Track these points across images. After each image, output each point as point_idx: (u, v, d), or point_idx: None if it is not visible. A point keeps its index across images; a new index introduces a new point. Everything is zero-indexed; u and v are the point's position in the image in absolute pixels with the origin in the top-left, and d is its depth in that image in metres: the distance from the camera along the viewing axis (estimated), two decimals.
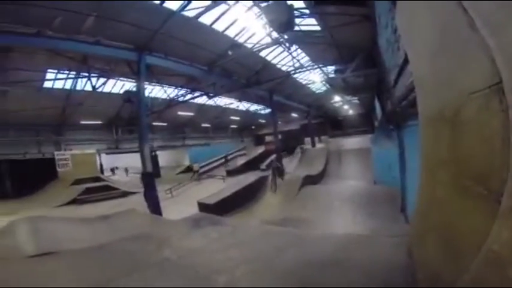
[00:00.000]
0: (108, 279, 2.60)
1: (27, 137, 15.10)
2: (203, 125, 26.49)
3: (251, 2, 8.37)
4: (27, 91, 11.92)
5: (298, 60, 13.36)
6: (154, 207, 8.50)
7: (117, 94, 14.32)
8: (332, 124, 29.96)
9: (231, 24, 10.22)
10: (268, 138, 29.23)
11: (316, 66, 13.57)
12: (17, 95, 11.93)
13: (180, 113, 20.49)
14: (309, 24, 10.24)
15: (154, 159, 17.15)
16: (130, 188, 14.00)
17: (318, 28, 10.16)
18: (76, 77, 12.08)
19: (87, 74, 10.83)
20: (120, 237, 3.92)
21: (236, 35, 11.06)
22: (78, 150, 16.71)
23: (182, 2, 8.20)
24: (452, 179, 1.65)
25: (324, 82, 15.98)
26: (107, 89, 14.00)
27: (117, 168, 24.37)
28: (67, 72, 11.73)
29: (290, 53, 12.36)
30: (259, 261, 2.90)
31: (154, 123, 19.96)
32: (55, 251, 3.54)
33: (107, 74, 11.58)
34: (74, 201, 11.79)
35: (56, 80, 12.11)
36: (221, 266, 2.81)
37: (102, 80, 11.97)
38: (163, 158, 23.42)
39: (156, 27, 8.80)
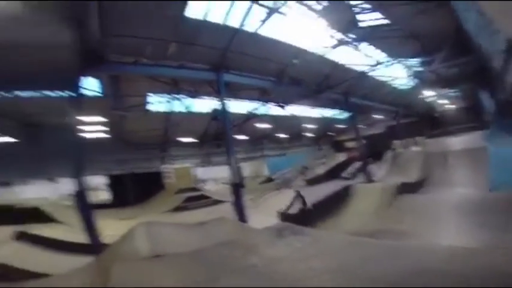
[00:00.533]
0: (205, 279, 2.96)
1: (138, 154, 18.99)
2: (280, 135, 27.01)
3: (304, 7, 8.33)
4: (137, 114, 14.78)
5: (372, 58, 12.65)
6: (241, 216, 9.15)
7: (205, 113, 16.44)
8: (427, 123, 25.68)
9: (290, 32, 10.32)
10: (349, 144, 27.14)
11: (395, 62, 12.77)
12: (131, 118, 15.03)
13: (257, 125, 21.60)
14: (374, 18, 9.56)
15: (239, 171, 18.67)
16: (220, 197, 15.48)
17: (385, 21, 9.52)
18: (171, 99, 14.06)
19: (178, 96, 12.74)
20: (213, 243, 4.42)
21: (298, 42, 11.06)
22: (178, 165, 19.88)
23: (239, 16, 8.64)
24: None
25: (410, 77, 14.73)
26: (197, 108, 16.29)
27: (205, 180, 26.81)
28: (164, 95, 13.75)
29: (361, 52, 11.91)
30: (343, 272, 2.81)
31: (236, 137, 21.58)
32: (163, 253, 4.24)
33: (195, 95, 13.21)
34: (176, 209, 13.84)
35: (156, 104, 14.49)
36: (303, 275, 2.82)
37: (191, 100, 13.90)
38: (245, 169, 25.05)
39: (225, 46, 9.57)
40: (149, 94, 13.52)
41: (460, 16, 6.59)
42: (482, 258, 2.75)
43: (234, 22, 8.90)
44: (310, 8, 8.35)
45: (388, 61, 12.97)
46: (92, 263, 4.65)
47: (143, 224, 6.18)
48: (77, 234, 6.93)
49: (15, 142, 15.78)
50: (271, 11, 8.34)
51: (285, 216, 9.17)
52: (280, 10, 8.40)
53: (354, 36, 10.30)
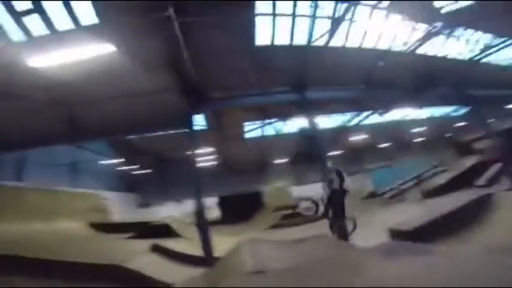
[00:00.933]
0: None
1: (242, 177, 20.98)
2: (382, 145, 24.61)
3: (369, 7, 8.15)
4: (237, 143, 16.52)
5: (477, 41, 11.09)
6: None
7: (295, 133, 16.69)
8: None
9: (366, 36, 9.87)
10: (477, 145, 20.30)
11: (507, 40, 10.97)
12: (233, 147, 16.84)
13: (353, 138, 20.26)
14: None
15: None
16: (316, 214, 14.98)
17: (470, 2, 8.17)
18: (262, 125, 15.02)
19: (269, 121, 13.50)
20: (313, 260, 4.27)
21: (377, 44, 10.40)
22: (275, 184, 20.80)
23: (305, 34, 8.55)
24: None
25: None
26: (287, 130, 16.75)
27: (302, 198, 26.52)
28: (255, 122, 14.85)
29: (458, 38, 10.67)
30: None
31: (331, 153, 20.94)
32: (264, 269, 4.39)
33: (283, 118, 13.75)
34: (275, 226, 14.21)
35: (251, 131, 15.80)
36: None
37: (280, 123, 14.46)
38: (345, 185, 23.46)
39: (301, 65, 9.45)
40: (245, 123, 14.92)
41: None
42: None
43: (302, 40, 8.89)
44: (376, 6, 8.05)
45: (503, 41, 11.24)
46: (206, 274, 5.23)
47: (247, 241, 6.43)
48: (195, 248, 8.04)
49: (151, 172, 20.80)
50: (338, 20, 7.96)
51: (397, 234, 8.04)
52: (346, 17, 8.16)
53: (442, 24, 9.29)
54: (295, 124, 15.81)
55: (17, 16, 6.33)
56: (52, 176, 13.63)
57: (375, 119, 17.00)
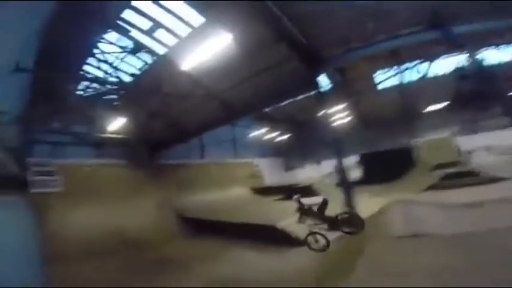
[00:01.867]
0: (464, 266, 2.40)
1: (384, 132, 18.75)
2: None
3: None
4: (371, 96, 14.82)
5: None
6: None
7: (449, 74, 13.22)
8: None
9: None
10: None
11: None
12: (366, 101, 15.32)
13: None
14: None
15: None
16: (497, 172, 11.26)
17: None
18: (399, 72, 12.84)
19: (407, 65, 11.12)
20: (487, 228, 3.42)
21: None
22: (432, 136, 17.02)
23: None
24: None
25: None
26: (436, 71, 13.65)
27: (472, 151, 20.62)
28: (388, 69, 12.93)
29: None
30: None
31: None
32: (422, 233, 3.92)
33: (428, 58, 11.50)
34: (433, 187, 11.95)
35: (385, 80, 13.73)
36: None
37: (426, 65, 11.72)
38: None
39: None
40: (375, 74, 13.48)
41: None
42: None
43: None
44: None
45: None
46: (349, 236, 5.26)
47: (398, 203, 6.11)
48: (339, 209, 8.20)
49: (292, 137, 22.48)
50: None
51: None
52: None
53: None
54: (449, 64, 12.52)
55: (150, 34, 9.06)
56: (220, 151, 17.72)
57: None
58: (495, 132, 15.20)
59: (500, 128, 14.84)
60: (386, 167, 16.18)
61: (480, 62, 7.70)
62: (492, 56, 11.76)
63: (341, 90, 13.80)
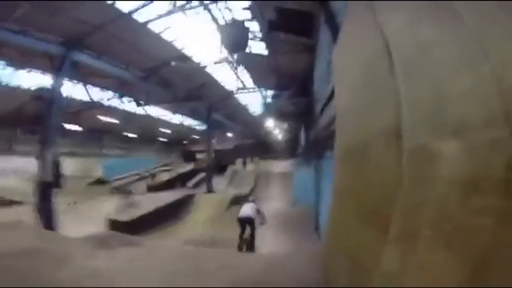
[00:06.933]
0: None
1: None
2: (127, 134, 23.65)
3: (209, 17, 8.01)
4: None
5: (242, 81, 13.08)
6: (48, 222, 7.23)
7: (28, 89, 11.83)
8: (263, 147, 29.05)
9: (182, 35, 9.50)
10: (199, 156, 26.47)
11: (257, 89, 13.94)
12: None
13: (100, 117, 17.31)
14: (258, 47, 9.81)
15: (57, 166, 12.92)
16: (20, 196, 10.95)
17: (265, 53, 9.75)
18: None
19: None
20: (10, 250, 3.27)
21: (184, 47, 10.30)
22: None
23: (137, 3, 7.33)
24: (356, 206, 1.87)
25: (261, 105, 14.75)
26: (14, 82, 11.69)
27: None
28: None
29: (236, 73, 12.62)
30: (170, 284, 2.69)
31: (67, 126, 17.24)
32: None
33: (19, 65, 10.33)
34: None
35: None
36: None
37: (9, 70, 10.46)
38: (70, 166, 17.61)
39: (98, 24, 7.71)
40: None
41: (316, 64, 7.99)
42: (292, 263, 3.29)
43: (125, 4, 7.38)
44: (214, 19, 8.06)
45: (252, 88, 13.94)
46: None
47: None
48: None
49: None
50: (175, 10, 7.43)
51: (115, 224, 7.75)
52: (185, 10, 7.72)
53: (237, 57, 11.01)
54: (36, 79, 11.53)
55: None
56: None
57: (132, 106, 15.86)
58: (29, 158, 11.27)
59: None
60: None
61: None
62: None
63: None
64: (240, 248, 6.62)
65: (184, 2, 7.47)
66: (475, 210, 1.02)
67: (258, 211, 7.13)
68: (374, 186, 1.61)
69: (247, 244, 6.75)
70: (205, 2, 7.52)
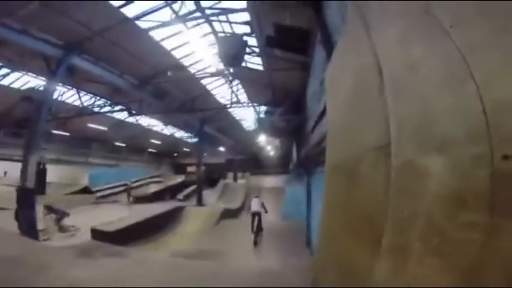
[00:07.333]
0: None
1: None
2: (116, 143, 23.33)
3: (209, 29, 8.65)
4: None
5: (236, 95, 13.17)
6: (28, 230, 6.89)
7: (17, 89, 11.96)
8: (254, 162, 30.03)
9: (181, 45, 9.90)
10: (190, 169, 26.39)
11: (251, 104, 13.90)
12: None
13: (90, 125, 17.95)
14: (254, 62, 10.51)
15: (42, 173, 13.22)
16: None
17: (261, 68, 10.27)
18: None
19: None
20: None
21: (182, 57, 10.77)
22: None
23: (141, 9, 7.63)
24: (346, 220, 1.90)
25: (254, 121, 15.11)
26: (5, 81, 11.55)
27: None
28: None
29: (231, 87, 12.73)
30: None
31: (54, 132, 17.01)
32: None
33: (15, 67, 10.30)
34: None
35: None
36: None
37: (3, 71, 10.53)
38: (55, 173, 17.44)
39: (100, 28, 7.79)
40: None
41: (310, 81, 8.02)
42: (283, 278, 3.45)
43: (129, 10, 7.58)
44: (213, 32, 8.63)
45: (246, 102, 13.88)
46: None
47: None
48: None
49: None
50: (177, 20, 7.49)
51: (100, 234, 7.54)
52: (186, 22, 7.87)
53: (232, 71, 11.21)
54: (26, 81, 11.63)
55: None
56: None
57: (123, 115, 15.94)
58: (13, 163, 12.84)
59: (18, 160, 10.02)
60: None
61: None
62: None
63: None
64: (252, 230, 8.95)
65: (186, 11, 7.54)
66: (463, 225, 1.06)
67: (262, 204, 9.78)
68: (364, 201, 1.66)
69: (257, 228, 9.05)
70: (207, 13, 7.75)
